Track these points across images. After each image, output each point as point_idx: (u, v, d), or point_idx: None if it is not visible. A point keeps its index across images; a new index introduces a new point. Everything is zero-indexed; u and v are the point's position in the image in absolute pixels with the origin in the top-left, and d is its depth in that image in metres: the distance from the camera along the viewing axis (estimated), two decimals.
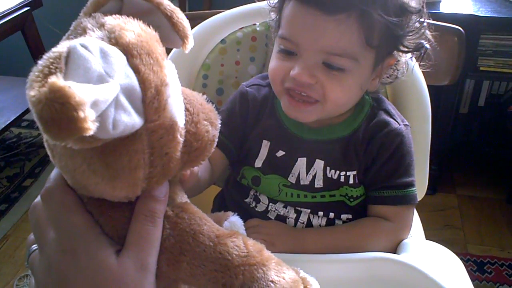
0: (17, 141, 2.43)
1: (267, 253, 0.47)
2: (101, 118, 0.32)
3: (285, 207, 0.75)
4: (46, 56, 0.33)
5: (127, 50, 0.37)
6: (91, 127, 0.30)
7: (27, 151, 2.35)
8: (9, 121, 1.86)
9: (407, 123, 0.74)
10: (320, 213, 0.74)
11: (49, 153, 0.42)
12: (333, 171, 0.73)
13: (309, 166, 0.74)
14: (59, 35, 0.41)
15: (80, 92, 0.30)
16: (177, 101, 0.42)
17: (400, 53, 0.70)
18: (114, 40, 0.37)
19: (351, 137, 0.73)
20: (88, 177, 0.40)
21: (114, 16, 0.40)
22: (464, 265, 0.68)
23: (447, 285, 0.58)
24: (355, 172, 0.73)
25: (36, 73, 0.32)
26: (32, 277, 0.47)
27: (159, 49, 0.40)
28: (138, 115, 0.37)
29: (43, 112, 0.30)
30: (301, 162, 0.74)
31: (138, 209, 0.43)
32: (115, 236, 0.44)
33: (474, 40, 1.63)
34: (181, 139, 0.43)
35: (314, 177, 0.74)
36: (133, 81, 0.36)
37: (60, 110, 0.29)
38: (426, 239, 0.83)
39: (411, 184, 0.72)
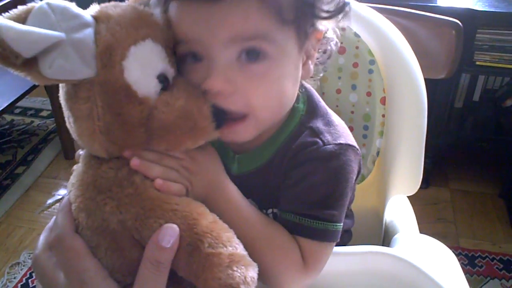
0: (9, 128, 2.41)
1: (229, 228, 0.51)
2: (43, 57, 0.42)
3: None
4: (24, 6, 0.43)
5: (99, 18, 0.46)
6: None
7: (19, 138, 2.34)
8: (1, 108, 1.84)
9: (343, 141, 0.58)
10: None
11: None
12: (265, 210, 0.62)
13: None
14: None
15: None
16: (140, 73, 0.48)
17: (324, 22, 0.57)
18: (99, 9, 0.48)
19: (271, 163, 0.61)
20: (67, 122, 0.50)
21: None
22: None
23: (439, 278, 0.58)
24: None
25: None
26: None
27: (142, 28, 0.48)
28: (86, 66, 0.45)
29: None
30: None
31: (146, 256, 0.46)
32: (126, 272, 0.49)
33: (471, 34, 1.62)
34: (139, 108, 0.48)
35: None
36: (87, 37, 0.45)
37: None
38: (419, 232, 0.84)
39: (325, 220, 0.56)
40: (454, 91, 1.91)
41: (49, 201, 1.95)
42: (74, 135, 0.50)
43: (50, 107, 2.18)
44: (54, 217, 0.52)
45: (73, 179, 0.53)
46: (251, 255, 0.49)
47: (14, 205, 1.93)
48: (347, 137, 0.60)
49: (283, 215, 0.58)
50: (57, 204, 1.92)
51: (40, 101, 2.62)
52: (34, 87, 1.99)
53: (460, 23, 0.88)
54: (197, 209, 0.49)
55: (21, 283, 1.60)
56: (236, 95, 0.52)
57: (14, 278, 1.62)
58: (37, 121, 2.47)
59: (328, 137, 0.58)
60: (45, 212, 1.90)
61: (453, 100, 1.95)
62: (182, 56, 0.53)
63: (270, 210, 0.63)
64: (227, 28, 0.49)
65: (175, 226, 0.46)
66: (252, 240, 0.53)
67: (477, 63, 1.69)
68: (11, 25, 0.40)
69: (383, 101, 0.79)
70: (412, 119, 0.80)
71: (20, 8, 0.43)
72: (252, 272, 0.46)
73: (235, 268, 0.45)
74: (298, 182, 0.57)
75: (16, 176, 2.08)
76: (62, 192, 2.00)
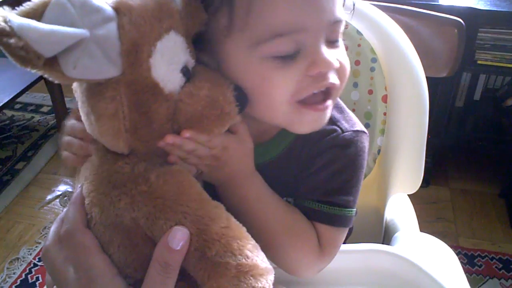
0: (10, 124, 2.41)
1: (246, 233, 0.48)
2: (65, 57, 0.40)
3: None
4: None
5: (119, 10, 0.42)
6: (15, 47, 0.36)
7: (19, 133, 2.34)
8: (2, 103, 1.84)
9: (358, 128, 0.61)
10: None
11: None
12: (285, 198, 0.62)
13: None
14: None
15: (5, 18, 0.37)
16: (166, 68, 0.46)
17: None
18: (118, 0, 0.43)
19: (288, 153, 0.61)
20: (86, 119, 0.47)
21: None
22: None
23: (440, 277, 0.58)
24: None
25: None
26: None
27: (165, 19, 0.45)
28: (112, 64, 0.42)
29: None
30: None
31: (155, 257, 0.46)
32: (137, 267, 0.48)
33: (473, 33, 1.62)
34: (166, 105, 0.46)
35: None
36: (111, 33, 0.41)
37: None
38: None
39: (341, 205, 0.58)
40: (455, 90, 1.90)
41: (49, 197, 1.95)
42: (93, 132, 0.48)
43: (50, 103, 2.18)
44: (66, 207, 0.51)
45: (85, 171, 0.51)
46: (271, 243, 0.50)
47: (14, 200, 1.93)
48: (359, 123, 0.62)
49: (301, 202, 0.59)
50: (57, 200, 1.93)
51: (40, 97, 2.62)
52: (34, 82, 1.99)
53: (462, 21, 0.88)
54: (210, 213, 0.47)
55: (21, 279, 1.60)
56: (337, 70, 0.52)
57: (14, 273, 1.62)
58: (37, 117, 2.47)
59: (345, 125, 0.60)
60: (44, 207, 1.90)
61: (454, 99, 1.95)
62: (274, 54, 0.49)
63: (284, 199, 0.62)
64: (332, 11, 0.50)
65: (185, 229, 0.45)
66: (271, 228, 0.55)
67: (479, 62, 1.69)
68: (34, 26, 0.37)
69: (384, 99, 0.79)
70: (414, 117, 0.80)
71: (35, 0, 0.39)
72: (263, 282, 0.45)
73: (242, 279, 0.44)
74: (319, 170, 0.58)
75: (16, 172, 2.08)
76: (62, 188, 2.00)
